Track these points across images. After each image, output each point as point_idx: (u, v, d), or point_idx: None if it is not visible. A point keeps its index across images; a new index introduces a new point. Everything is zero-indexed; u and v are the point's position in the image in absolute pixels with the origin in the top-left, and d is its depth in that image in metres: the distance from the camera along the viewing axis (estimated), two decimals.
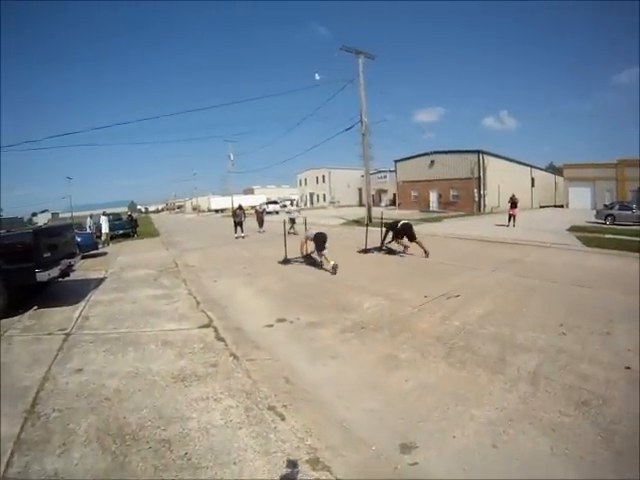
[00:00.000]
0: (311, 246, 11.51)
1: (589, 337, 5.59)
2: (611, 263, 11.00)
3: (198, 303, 7.70)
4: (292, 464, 2.88)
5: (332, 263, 10.09)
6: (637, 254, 11.76)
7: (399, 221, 12.97)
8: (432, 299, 7.54)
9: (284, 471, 2.82)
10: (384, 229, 13.25)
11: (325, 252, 10.64)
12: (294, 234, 18.33)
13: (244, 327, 6.31)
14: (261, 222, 24.34)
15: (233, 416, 3.57)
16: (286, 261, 11.95)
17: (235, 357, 4.99)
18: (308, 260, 11.95)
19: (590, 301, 7.49)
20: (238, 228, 21.26)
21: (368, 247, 13.67)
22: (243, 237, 20.75)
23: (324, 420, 3.58)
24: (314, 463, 2.91)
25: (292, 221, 20.82)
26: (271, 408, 3.70)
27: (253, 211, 25.55)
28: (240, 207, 23.09)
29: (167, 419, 3.56)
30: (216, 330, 6.05)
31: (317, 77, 27.09)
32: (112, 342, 5.76)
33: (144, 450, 3.13)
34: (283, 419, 3.51)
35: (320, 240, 10.78)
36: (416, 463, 2.99)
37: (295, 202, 59.92)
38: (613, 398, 4.00)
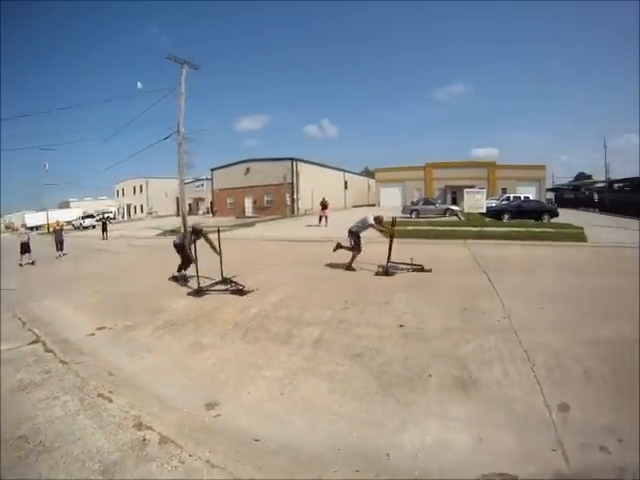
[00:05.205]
0: None
1: (368, 308, 7.23)
2: (402, 247, 11.92)
3: (24, 323, 7.72)
4: (122, 429, 3.75)
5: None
6: (424, 239, 14.33)
7: None
8: (234, 296, 8.67)
9: (119, 436, 3.63)
10: None
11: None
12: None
13: (69, 338, 6.62)
14: (61, 243, 19.32)
15: (71, 407, 4.20)
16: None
17: (65, 363, 5.46)
18: None
19: (375, 281, 9.37)
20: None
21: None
22: (32, 263, 16.80)
23: (144, 397, 4.41)
24: (139, 426, 3.78)
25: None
26: (100, 395, 4.44)
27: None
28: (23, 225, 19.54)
29: (18, 421, 3.98)
30: (44, 344, 6.33)
31: (139, 85, 27.06)
32: None
33: (7, 447, 3.55)
34: (111, 401, 4.29)
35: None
36: (219, 415, 3.99)
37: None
38: (385, 348, 5.41)
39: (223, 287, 9.17)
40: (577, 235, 17.35)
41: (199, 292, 8.77)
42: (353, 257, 10.85)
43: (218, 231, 9.92)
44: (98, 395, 4.45)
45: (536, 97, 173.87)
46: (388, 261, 10.21)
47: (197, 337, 6.27)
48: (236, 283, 9.16)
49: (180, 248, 9.97)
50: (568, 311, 6.74)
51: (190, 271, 9.98)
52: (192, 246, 9.68)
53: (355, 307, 7.28)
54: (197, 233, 9.92)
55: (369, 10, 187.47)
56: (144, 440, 3.56)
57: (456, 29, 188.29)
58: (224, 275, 9.50)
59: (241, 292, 8.68)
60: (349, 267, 10.77)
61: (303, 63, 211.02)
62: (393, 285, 8.91)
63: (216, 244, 9.76)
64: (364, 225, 10.87)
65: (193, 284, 9.41)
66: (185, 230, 9.49)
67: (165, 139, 27.15)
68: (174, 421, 3.90)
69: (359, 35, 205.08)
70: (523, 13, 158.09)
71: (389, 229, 10.73)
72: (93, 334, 6.75)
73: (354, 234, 10.87)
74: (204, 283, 9.30)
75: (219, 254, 9.69)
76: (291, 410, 4.03)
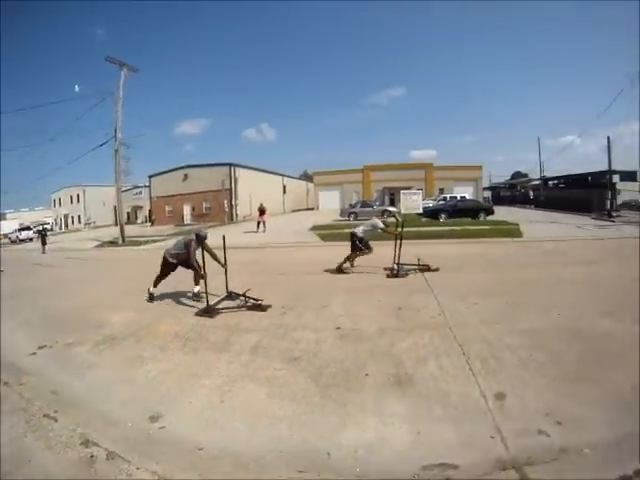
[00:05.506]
0: None
1: (305, 312, 7.51)
2: (335, 252, 12.47)
3: None
4: (70, 448, 3.85)
5: None
6: None
7: None
8: (172, 306, 8.81)
9: (67, 455, 3.73)
10: None
11: None
12: None
13: (11, 359, 6.48)
14: None
15: (17, 429, 4.23)
16: None
17: (7, 384, 5.41)
18: None
19: (313, 285, 9.74)
20: None
21: None
22: None
23: (89, 414, 4.49)
24: (86, 443, 3.88)
25: None
26: (46, 415, 4.48)
27: None
28: None
29: None
30: None
31: (77, 89, 26.36)
32: None
33: None
34: (56, 421, 4.35)
35: None
36: (164, 427, 4.13)
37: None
38: (322, 351, 5.65)
39: (234, 303, 8.29)
40: (513, 231, 18.53)
41: (209, 311, 7.74)
42: (360, 256, 11.33)
43: (223, 239, 9.02)
44: (44, 415, 4.49)
45: (474, 99, 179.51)
46: (397, 263, 10.61)
47: (137, 350, 6.31)
48: (250, 297, 8.22)
49: (183, 260, 8.89)
50: (502, 304, 7.27)
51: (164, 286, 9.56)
52: (195, 254, 8.75)
53: (292, 312, 7.57)
54: (201, 240, 8.65)
55: (305, 12, 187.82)
56: (92, 457, 3.67)
57: (393, 31, 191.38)
58: (229, 289, 8.81)
59: (260, 307, 7.88)
60: (350, 262, 11.30)
61: (241, 65, 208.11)
62: (330, 289, 9.26)
63: (220, 254, 8.94)
64: (374, 229, 11.19)
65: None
66: (183, 238, 8.42)
67: (102, 145, 26.63)
68: (120, 436, 4.02)
69: (297, 37, 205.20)
70: (460, 13, 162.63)
71: (398, 232, 11.08)
72: (35, 353, 6.67)
73: (361, 240, 11.09)
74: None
75: (224, 265, 8.81)
76: (232, 417, 4.20)
